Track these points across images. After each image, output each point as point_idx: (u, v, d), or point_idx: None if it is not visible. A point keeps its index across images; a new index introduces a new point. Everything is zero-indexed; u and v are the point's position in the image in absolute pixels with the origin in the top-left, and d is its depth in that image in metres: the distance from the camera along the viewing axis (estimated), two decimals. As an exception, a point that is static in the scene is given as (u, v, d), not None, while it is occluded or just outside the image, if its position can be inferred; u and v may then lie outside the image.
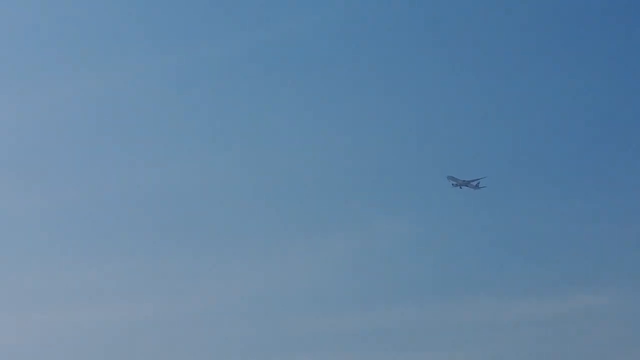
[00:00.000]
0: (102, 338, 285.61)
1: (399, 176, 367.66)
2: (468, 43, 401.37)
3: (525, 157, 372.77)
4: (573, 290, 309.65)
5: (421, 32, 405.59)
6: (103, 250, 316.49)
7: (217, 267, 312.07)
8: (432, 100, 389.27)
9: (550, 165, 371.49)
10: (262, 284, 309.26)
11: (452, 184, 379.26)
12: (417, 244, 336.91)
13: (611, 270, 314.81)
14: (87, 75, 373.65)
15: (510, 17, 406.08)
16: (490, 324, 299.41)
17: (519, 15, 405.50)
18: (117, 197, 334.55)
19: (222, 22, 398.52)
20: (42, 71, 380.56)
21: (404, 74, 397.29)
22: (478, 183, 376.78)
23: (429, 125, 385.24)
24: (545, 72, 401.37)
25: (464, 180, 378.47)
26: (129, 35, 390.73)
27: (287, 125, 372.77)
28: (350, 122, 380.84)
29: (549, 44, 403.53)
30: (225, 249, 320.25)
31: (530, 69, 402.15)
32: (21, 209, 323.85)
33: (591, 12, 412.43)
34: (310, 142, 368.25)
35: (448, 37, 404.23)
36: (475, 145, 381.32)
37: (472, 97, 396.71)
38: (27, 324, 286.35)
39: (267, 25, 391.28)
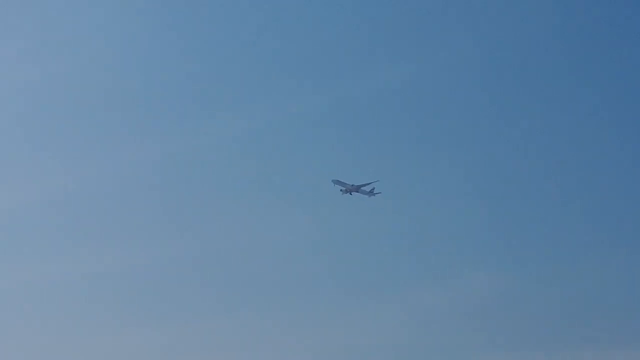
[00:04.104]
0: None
1: (482, 230, 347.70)
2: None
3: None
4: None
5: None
6: (181, 308, 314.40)
7: (301, 322, 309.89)
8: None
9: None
10: (351, 338, 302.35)
11: (341, 190, 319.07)
12: (505, 297, 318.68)
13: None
14: (141, 142, 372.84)
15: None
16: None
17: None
18: (197, 255, 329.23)
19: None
20: (96, 139, 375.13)
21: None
22: (373, 189, 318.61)
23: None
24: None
25: (353, 185, 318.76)
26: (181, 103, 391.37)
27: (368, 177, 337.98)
28: (436, 178, 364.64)
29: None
30: (312, 304, 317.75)
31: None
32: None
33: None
34: (398, 197, 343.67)
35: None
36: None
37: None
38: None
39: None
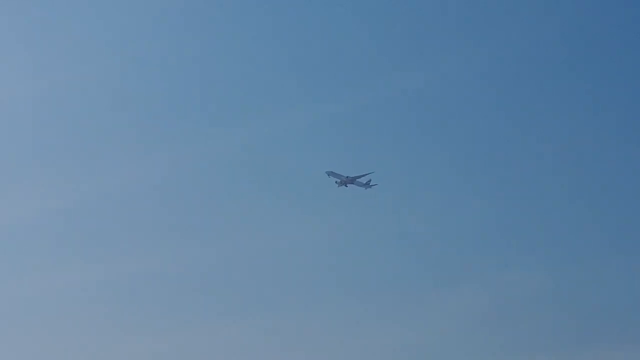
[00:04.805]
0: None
1: (523, 229, 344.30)
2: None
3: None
4: None
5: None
6: (186, 315, 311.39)
7: (309, 325, 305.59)
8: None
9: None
10: (392, 337, 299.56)
11: (336, 182, 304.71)
12: (550, 295, 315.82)
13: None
14: (147, 151, 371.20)
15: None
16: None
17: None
18: (202, 262, 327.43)
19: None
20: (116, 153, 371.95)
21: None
22: (369, 181, 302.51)
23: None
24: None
25: (347, 177, 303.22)
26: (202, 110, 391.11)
27: (408, 183, 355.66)
28: (439, 177, 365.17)
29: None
30: (354, 303, 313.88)
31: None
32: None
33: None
34: (442, 199, 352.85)
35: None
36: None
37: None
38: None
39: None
